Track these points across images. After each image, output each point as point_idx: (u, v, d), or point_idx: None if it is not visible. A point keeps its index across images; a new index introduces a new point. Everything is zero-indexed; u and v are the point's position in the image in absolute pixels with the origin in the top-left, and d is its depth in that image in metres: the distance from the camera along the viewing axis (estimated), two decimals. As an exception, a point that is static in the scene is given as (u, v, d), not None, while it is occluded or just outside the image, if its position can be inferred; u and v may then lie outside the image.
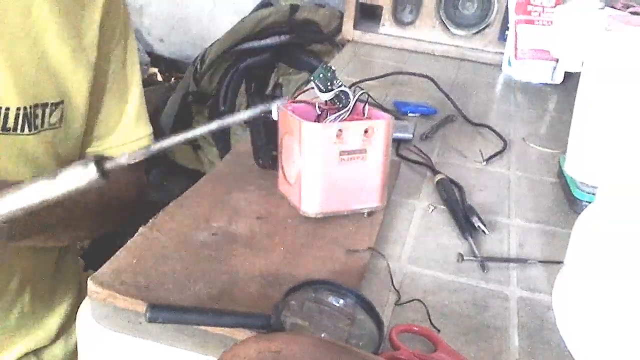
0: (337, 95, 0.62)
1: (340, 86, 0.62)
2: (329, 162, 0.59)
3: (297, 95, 0.65)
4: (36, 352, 0.73)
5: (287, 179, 0.63)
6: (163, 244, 0.55)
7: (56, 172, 0.39)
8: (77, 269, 0.80)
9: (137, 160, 0.40)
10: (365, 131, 0.59)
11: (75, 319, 0.77)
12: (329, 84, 0.62)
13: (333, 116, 0.62)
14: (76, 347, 0.77)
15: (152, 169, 1.48)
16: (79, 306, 0.77)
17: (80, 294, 0.78)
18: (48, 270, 0.71)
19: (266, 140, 0.68)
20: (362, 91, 0.63)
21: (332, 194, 0.61)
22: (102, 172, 0.39)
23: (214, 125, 0.43)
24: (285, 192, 0.65)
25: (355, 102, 0.62)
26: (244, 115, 0.47)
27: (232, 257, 0.55)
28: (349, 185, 0.61)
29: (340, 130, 0.58)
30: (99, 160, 0.39)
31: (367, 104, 0.63)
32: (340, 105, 0.62)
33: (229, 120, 0.44)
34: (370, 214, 0.64)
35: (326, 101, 0.62)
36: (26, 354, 0.72)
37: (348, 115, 0.62)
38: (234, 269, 0.53)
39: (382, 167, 0.62)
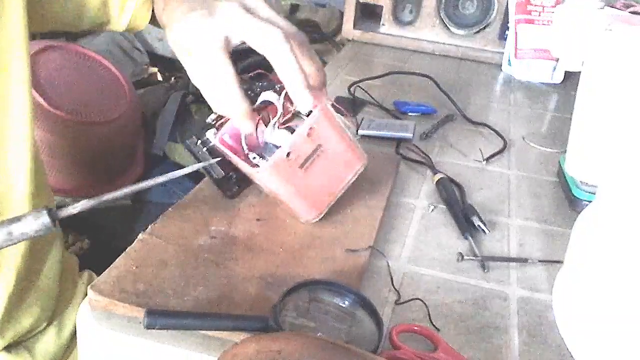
0: (263, 102, 0.58)
1: (259, 93, 0.57)
2: (296, 181, 0.57)
3: (219, 119, 0.61)
4: (27, 345, 0.73)
5: (271, 196, 0.62)
6: (162, 250, 0.55)
7: (6, 224, 0.41)
8: (63, 259, 0.78)
9: (87, 209, 0.43)
10: (309, 135, 0.56)
11: (61, 309, 0.77)
12: (250, 93, 0.58)
13: (269, 128, 0.57)
14: (69, 341, 0.77)
15: (152, 169, 1.48)
16: (63, 295, 0.77)
17: (65, 283, 0.78)
18: (28, 256, 0.70)
19: (224, 173, 0.63)
20: (284, 91, 0.56)
21: (319, 195, 0.60)
22: (55, 221, 0.42)
23: (161, 178, 0.48)
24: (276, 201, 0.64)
25: (283, 103, 0.57)
26: (188, 169, 0.51)
27: (231, 260, 0.55)
28: (325, 177, 0.59)
29: (289, 152, 0.55)
30: (51, 210, 0.41)
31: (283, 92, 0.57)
32: (270, 105, 0.58)
33: (175, 173, 0.49)
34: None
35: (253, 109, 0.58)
36: (15, 345, 0.71)
37: (282, 117, 0.58)
38: (233, 272, 0.53)
39: (342, 140, 0.59)
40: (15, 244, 0.43)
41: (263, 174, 0.55)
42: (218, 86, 0.52)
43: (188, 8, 0.53)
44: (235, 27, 0.51)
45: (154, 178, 0.51)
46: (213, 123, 0.60)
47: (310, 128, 0.55)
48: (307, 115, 0.55)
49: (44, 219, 0.42)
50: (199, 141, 0.59)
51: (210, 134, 0.59)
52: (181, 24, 0.53)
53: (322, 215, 0.61)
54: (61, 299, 0.77)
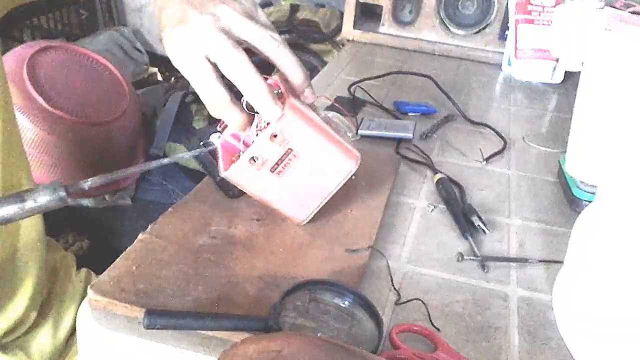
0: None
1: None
2: (268, 185, 0.56)
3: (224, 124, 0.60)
4: (22, 344, 0.73)
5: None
6: (162, 250, 0.55)
7: (24, 196, 0.44)
8: (41, 250, 0.77)
9: (96, 185, 0.47)
10: (274, 136, 0.53)
11: (54, 304, 0.76)
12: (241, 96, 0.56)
13: (253, 131, 0.56)
14: (66, 340, 0.77)
15: (152, 169, 1.49)
16: (57, 290, 0.77)
17: (44, 275, 0.77)
18: (8, 254, 0.69)
19: None
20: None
21: (303, 198, 0.59)
22: (68, 194, 0.45)
23: (166, 160, 0.54)
24: None
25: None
26: (188, 154, 0.56)
27: (231, 260, 0.55)
28: (307, 180, 0.58)
29: (253, 157, 0.54)
30: (67, 186, 0.45)
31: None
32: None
33: (176, 157, 0.56)
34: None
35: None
36: (10, 345, 0.71)
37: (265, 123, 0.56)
38: (233, 272, 0.53)
39: (322, 142, 0.56)
40: (27, 215, 0.44)
41: (229, 177, 0.55)
42: (212, 102, 0.53)
43: (167, 19, 0.52)
44: (208, 50, 0.51)
45: (159, 160, 0.54)
46: (219, 130, 0.60)
47: (273, 135, 0.53)
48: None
49: (59, 191, 0.44)
50: (202, 143, 0.60)
51: (214, 138, 0.59)
52: (165, 36, 0.53)
53: (310, 217, 0.60)
54: (55, 294, 0.77)
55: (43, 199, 0.44)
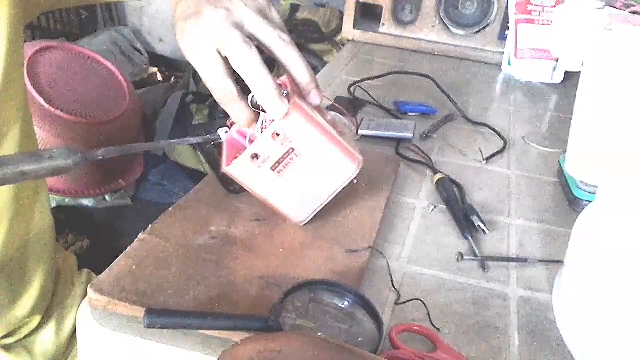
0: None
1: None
2: (268, 183, 0.56)
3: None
4: (26, 344, 0.73)
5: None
6: (162, 249, 0.55)
7: (42, 154, 0.46)
8: (50, 247, 0.77)
9: (111, 155, 0.50)
10: (277, 134, 0.53)
11: (57, 306, 0.76)
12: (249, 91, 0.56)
13: (258, 130, 0.56)
14: (68, 340, 0.77)
15: (152, 169, 1.49)
16: (60, 292, 0.77)
17: (51, 281, 0.77)
18: (18, 248, 0.69)
19: None
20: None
21: (303, 198, 0.59)
22: (84, 160, 0.48)
23: (176, 141, 0.57)
24: None
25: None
26: (193, 140, 0.58)
27: (231, 260, 0.55)
28: (308, 180, 0.58)
29: (255, 154, 0.54)
30: (82, 151, 0.47)
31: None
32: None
33: (179, 140, 0.57)
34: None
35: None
36: (14, 345, 0.71)
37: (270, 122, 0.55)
38: (233, 272, 0.53)
39: (326, 144, 0.56)
40: (43, 174, 0.46)
41: (231, 172, 0.56)
42: (220, 95, 0.54)
43: (182, 12, 0.53)
44: (220, 43, 0.51)
45: (170, 140, 0.57)
46: (228, 126, 0.60)
47: (276, 133, 0.53)
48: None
49: (76, 154, 0.47)
50: (208, 135, 0.60)
51: (221, 132, 0.60)
52: (178, 28, 0.54)
53: (310, 218, 0.60)
54: (57, 295, 0.77)
55: (59, 158, 0.46)
